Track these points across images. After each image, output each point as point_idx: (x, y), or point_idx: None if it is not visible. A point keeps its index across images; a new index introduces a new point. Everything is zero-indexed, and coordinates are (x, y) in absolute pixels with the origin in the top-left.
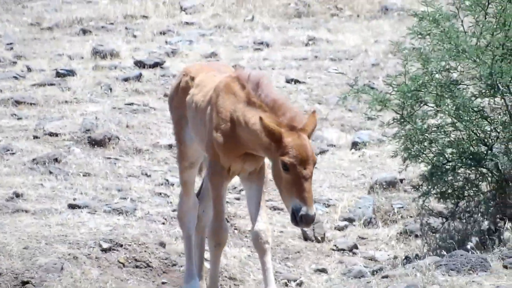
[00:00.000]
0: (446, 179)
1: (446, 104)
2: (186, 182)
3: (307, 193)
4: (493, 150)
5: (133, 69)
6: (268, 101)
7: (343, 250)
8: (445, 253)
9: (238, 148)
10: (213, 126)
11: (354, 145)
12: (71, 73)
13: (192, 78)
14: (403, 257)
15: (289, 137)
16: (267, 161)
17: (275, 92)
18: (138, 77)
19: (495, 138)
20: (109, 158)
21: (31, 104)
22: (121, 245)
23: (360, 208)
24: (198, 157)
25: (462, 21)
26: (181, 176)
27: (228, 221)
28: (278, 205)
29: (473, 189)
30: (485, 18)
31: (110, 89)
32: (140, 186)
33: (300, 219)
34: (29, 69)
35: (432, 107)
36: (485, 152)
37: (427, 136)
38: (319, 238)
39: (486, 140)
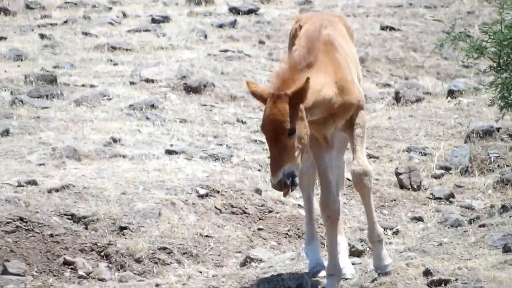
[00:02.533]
0: None
1: None
2: None
3: (270, 160)
4: None
5: (228, 16)
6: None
7: (440, 198)
8: None
9: (312, 115)
10: None
11: (450, 93)
12: (166, 19)
13: (300, 27)
14: (500, 206)
15: (266, 103)
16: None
17: (301, 51)
18: (233, 24)
19: None
20: (205, 105)
21: (127, 50)
22: (218, 191)
23: (456, 156)
24: None
25: None
26: None
27: None
28: (373, 153)
29: None
30: None
31: (205, 36)
32: (235, 133)
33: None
34: (124, 15)
35: None
36: None
37: None
38: (415, 186)
39: None
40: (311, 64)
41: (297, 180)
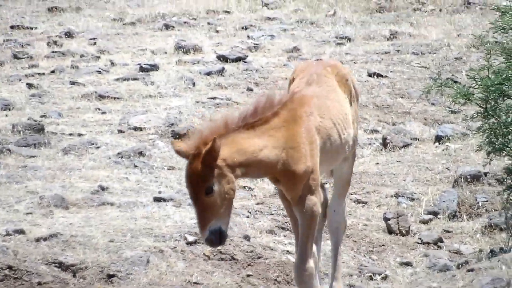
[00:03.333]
0: None
1: None
2: None
3: (196, 218)
4: None
5: (216, 64)
6: None
7: (428, 243)
8: None
9: (247, 174)
10: None
11: (438, 138)
12: (154, 67)
13: (293, 79)
14: (488, 251)
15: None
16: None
17: (245, 110)
18: (221, 72)
19: None
20: None
21: (115, 98)
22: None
23: (444, 201)
24: None
25: None
26: None
27: None
28: (362, 198)
29: None
30: None
31: (193, 84)
32: None
33: None
34: (112, 64)
35: None
36: None
37: (511, 130)
38: (404, 231)
39: None
40: (250, 125)
41: (226, 236)
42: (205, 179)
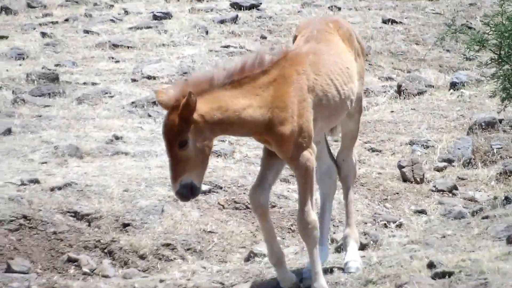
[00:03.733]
0: None
1: None
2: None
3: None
4: None
5: (229, 11)
6: None
7: (443, 191)
8: None
9: (226, 131)
10: None
11: (452, 85)
12: (167, 16)
13: (295, 37)
14: (503, 198)
15: None
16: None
17: (232, 67)
18: (234, 19)
19: None
20: None
21: (128, 47)
22: (221, 187)
23: (459, 149)
24: None
25: None
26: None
27: None
28: (376, 146)
29: None
30: None
31: (207, 32)
32: None
33: None
34: (126, 12)
35: None
36: None
37: None
38: (418, 179)
39: None
40: (237, 82)
41: (197, 190)
42: (180, 132)
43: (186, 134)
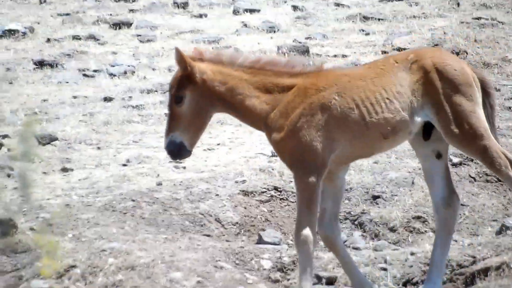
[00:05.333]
0: None
1: None
2: None
3: None
4: None
5: None
6: None
7: None
8: None
9: (221, 107)
10: None
11: None
12: None
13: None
14: None
15: None
16: None
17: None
18: None
19: None
20: None
21: (379, 19)
22: (472, 160)
23: None
24: None
25: None
26: None
27: None
28: None
29: None
30: None
31: (458, 4)
32: None
33: None
34: None
35: None
36: None
37: None
38: None
39: None
40: (258, 71)
41: (186, 152)
42: (178, 87)
43: (182, 90)
